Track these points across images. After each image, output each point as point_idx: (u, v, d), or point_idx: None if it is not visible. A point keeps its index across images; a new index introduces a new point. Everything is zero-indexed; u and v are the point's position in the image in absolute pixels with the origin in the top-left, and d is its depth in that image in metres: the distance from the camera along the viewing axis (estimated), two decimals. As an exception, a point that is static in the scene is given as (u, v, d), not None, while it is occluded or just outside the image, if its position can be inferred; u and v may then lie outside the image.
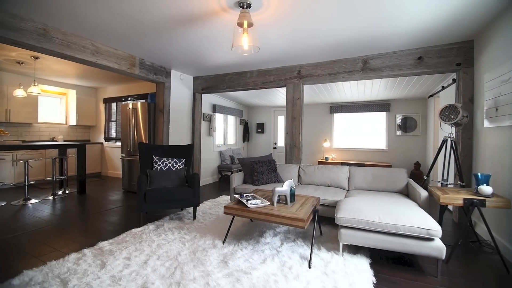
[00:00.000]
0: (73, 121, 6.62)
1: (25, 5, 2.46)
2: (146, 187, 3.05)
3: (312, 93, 5.81)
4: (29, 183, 4.23)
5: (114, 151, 6.60)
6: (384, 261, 2.27)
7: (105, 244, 2.48)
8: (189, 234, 2.73)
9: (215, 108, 6.19)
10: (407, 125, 6.31)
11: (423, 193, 2.63)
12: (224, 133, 6.85)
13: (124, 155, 4.97)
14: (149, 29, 2.95)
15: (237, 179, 3.62)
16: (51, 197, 4.36)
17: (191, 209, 3.66)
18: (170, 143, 4.74)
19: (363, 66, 3.82)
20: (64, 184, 4.87)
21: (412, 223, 2.06)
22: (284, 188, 2.42)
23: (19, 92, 4.57)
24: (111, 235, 2.72)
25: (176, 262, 2.13)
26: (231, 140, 7.21)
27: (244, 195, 2.65)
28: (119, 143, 6.50)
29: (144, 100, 5.90)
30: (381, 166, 6.09)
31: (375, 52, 3.67)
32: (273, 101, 6.99)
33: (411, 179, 3.28)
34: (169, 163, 3.51)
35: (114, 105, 6.78)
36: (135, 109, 4.84)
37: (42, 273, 1.96)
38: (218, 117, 6.51)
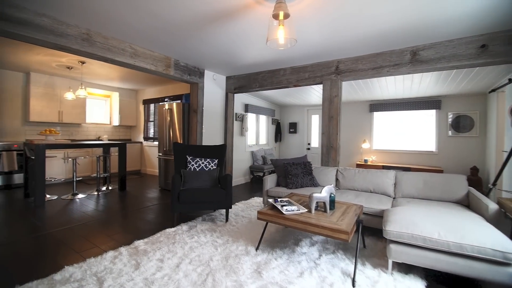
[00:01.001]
0: (116, 122, 7.07)
1: (72, 12, 2.59)
2: (180, 187, 3.05)
3: (350, 90, 5.41)
4: (77, 179, 4.57)
5: (152, 150, 6.90)
6: (443, 286, 1.93)
7: (140, 244, 2.50)
8: (221, 237, 2.65)
9: (247, 108, 6.11)
10: (460, 125, 5.56)
11: (492, 206, 2.20)
12: (256, 133, 6.75)
13: (160, 154, 5.12)
14: (181, 28, 2.93)
15: (270, 181, 3.47)
16: (95, 193, 4.66)
17: (223, 211, 3.60)
18: (204, 143, 4.77)
19: (412, 58, 3.39)
20: (107, 181, 5.19)
21: (482, 242, 1.71)
22: (323, 194, 2.20)
23: (69, 95, 4.96)
24: (146, 234, 2.75)
25: (208, 268, 2.05)
26: (263, 140, 7.08)
27: (279, 199, 2.49)
28: (156, 143, 6.78)
29: (179, 101, 6.05)
30: (430, 170, 5.45)
31: (426, 41, 3.22)
32: (307, 100, 6.70)
33: (472, 188, 2.81)
34: (202, 163, 3.48)
35: (152, 106, 7.08)
36: (170, 110, 4.95)
37: (81, 270, 2.01)
38: (250, 117, 6.42)
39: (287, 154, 7.58)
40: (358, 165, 6.08)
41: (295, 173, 3.39)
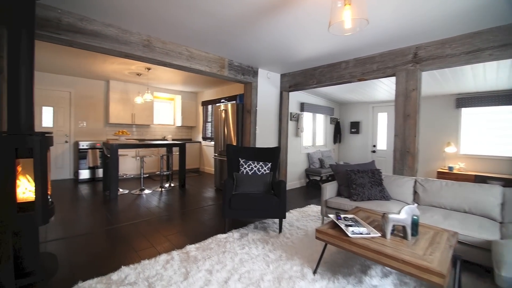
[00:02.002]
0: (178, 122, 7.57)
1: (134, 20, 2.71)
2: (232, 191, 2.92)
3: (431, 81, 4.47)
4: (144, 176, 4.97)
5: (210, 150, 7.13)
6: None
7: (191, 249, 2.45)
8: (274, 251, 2.40)
9: (303, 107, 5.71)
10: None
11: None
12: (312, 133, 6.29)
13: (216, 154, 5.19)
14: (234, 25, 2.77)
15: (329, 190, 3.05)
16: (159, 189, 4.99)
17: (276, 219, 3.35)
18: (257, 144, 4.61)
19: (533, 34, 2.50)
20: (169, 178, 5.54)
21: None
22: (403, 216, 1.72)
23: (138, 99, 5.45)
24: (199, 238, 2.70)
25: (258, 290, 1.82)
26: (320, 141, 6.56)
27: (342, 216, 2.09)
28: (213, 143, 6.98)
29: (234, 102, 6.05)
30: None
31: (560, 8, 2.32)
32: (372, 96, 5.89)
33: None
34: (255, 167, 3.30)
35: (210, 107, 7.33)
36: (225, 111, 4.95)
37: (135, 272, 2.03)
38: (306, 116, 6.00)
39: (347, 157, 6.86)
40: (440, 174, 5.03)
41: (360, 182, 2.90)
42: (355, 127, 6.61)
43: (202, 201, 4.26)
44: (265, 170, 3.31)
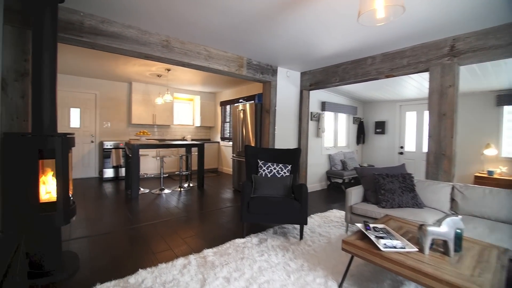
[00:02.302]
0: (197, 123, 7.63)
1: (153, 21, 2.69)
2: (250, 194, 2.81)
3: (468, 77, 4.08)
4: (164, 175, 5.03)
5: (228, 150, 7.10)
6: None
7: (209, 253, 2.37)
8: (295, 260, 2.26)
9: (324, 106, 5.48)
10: None
11: None
12: (334, 133, 6.03)
13: (234, 155, 5.12)
14: (252, 21, 2.66)
15: (354, 195, 2.85)
16: (178, 189, 5.02)
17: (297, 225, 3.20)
18: (276, 145, 4.47)
19: None
20: (188, 178, 5.56)
21: None
22: (444, 229, 1.51)
23: (159, 100, 5.52)
24: (216, 242, 2.63)
25: (278, 303, 1.69)
26: (342, 142, 6.28)
27: (371, 225, 1.91)
28: (231, 143, 6.94)
29: (252, 102, 5.96)
30: None
31: None
32: (400, 93, 5.52)
33: None
34: (274, 169, 3.17)
35: (228, 107, 7.30)
36: (243, 111, 4.87)
37: (152, 276, 1.99)
38: (328, 116, 5.76)
39: (372, 159, 6.51)
40: (478, 179, 4.59)
41: (390, 188, 2.67)
42: (381, 127, 6.25)
43: (220, 203, 4.21)
44: (285, 173, 3.17)
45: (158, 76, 5.45)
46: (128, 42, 2.82)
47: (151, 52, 2.99)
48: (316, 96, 5.35)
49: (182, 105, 7.66)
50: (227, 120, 7.31)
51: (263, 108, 4.54)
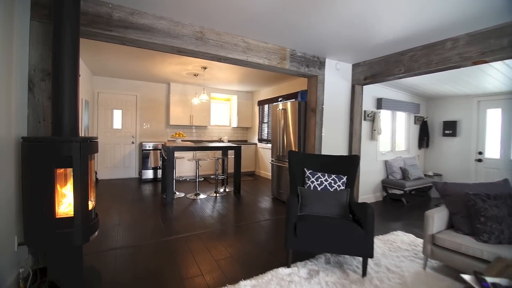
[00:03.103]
0: (234, 123, 7.33)
1: (186, 9, 2.34)
2: (296, 212, 2.29)
3: None
4: (200, 180, 4.77)
5: (266, 152, 6.65)
6: None
7: (246, 286, 1.92)
8: (359, 310, 1.68)
9: (380, 103, 4.67)
10: None
11: None
12: (391, 136, 5.15)
13: (273, 159, 4.64)
14: (296, 4, 2.13)
15: (437, 220, 2.13)
16: (214, 194, 4.72)
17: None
18: (323, 150, 3.86)
19: None
20: (224, 182, 5.25)
21: None
22: None
23: (195, 100, 5.30)
24: (255, 270, 2.17)
25: None
26: (401, 145, 5.36)
27: (490, 281, 1.24)
28: (270, 145, 6.47)
29: (294, 100, 5.41)
30: None
31: None
32: (479, 86, 4.43)
33: None
34: (325, 180, 2.59)
35: (266, 107, 6.84)
36: (284, 110, 4.35)
37: (177, 317, 1.60)
38: (384, 115, 4.92)
39: (438, 167, 5.42)
40: None
41: (494, 214, 1.90)
42: (451, 127, 5.16)
43: (258, 213, 3.76)
44: (339, 186, 2.57)
45: (195, 75, 5.23)
46: (160, 35, 2.52)
47: (184, 45, 2.66)
48: (370, 92, 4.58)
49: (219, 105, 7.44)
50: (265, 120, 6.86)
51: (307, 106, 3.96)
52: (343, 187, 2.58)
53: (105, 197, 4.38)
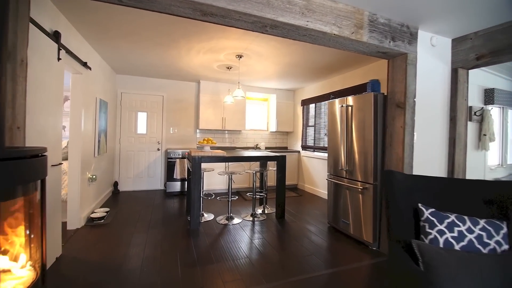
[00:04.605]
0: (273, 127, 6.25)
1: None
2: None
3: None
4: (233, 198, 3.75)
5: (312, 163, 5.44)
6: None
7: None
8: None
9: (490, 97, 3.21)
10: None
11: None
12: (501, 143, 3.60)
13: (331, 174, 3.42)
14: None
15: None
16: (250, 218, 3.67)
17: None
18: (415, 163, 2.57)
19: None
20: (264, 202, 4.18)
21: None
22: None
23: (228, 98, 4.34)
24: None
25: None
26: (512, 155, 3.76)
27: None
28: (318, 153, 5.25)
29: (365, 93, 4.15)
30: None
31: None
32: None
33: None
34: (468, 231, 1.35)
35: (312, 107, 5.66)
36: (349, 108, 3.13)
37: None
38: (495, 113, 3.42)
39: None
40: None
41: None
42: None
43: (316, 256, 2.58)
44: (498, 244, 1.31)
45: (228, 68, 4.29)
46: (172, -20, 1.56)
47: (210, 1, 1.66)
48: (476, 80, 3.16)
49: (255, 106, 6.44)
50: (311, 123, 5.67)
51: (388, 101, 2.72)
52: (507, 247, 1.32)
53: (120, 218, 3.59)
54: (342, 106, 3.18)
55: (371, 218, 2.75)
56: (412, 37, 2.56)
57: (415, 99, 2.58)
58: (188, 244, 2.79)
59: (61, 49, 2.36)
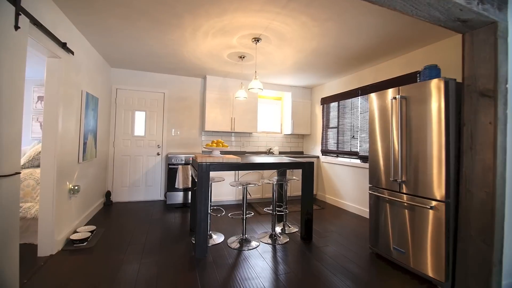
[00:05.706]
0: (287, 130, 5.55)
1: None
2: None
3: None
4: (247, 214, 3.03)
5: (334, 170, 4.72)
6: None
7: None
8: None
9: None
10: None
11: None
12: None
13: (374, 186, 2.69)
14: None
15: None
16: (269, 241, 2.95)
17: None
18: (508, 176, 1.84)
19: None
20: (284, 219, 3.45)
21: None
22: None
23: (241, 93, 3.65)
24: None
25: None
26: None
27: None
28: (343, 159, 4.53)
29: (429, 79, 3.44)
30: None
31: None
32: None
33: None
34: None
35: (333, 106, 4.96)
36: (403, 100, 2.41)
37: None
38: None
39: None
40: None
41: None
42: None
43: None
44: None
45: (241, 58, 3.62)
46: None
47: None
48: None
49: (267, 105, 5.75)
50: (332, 124, 4.96)
51: (465, 89, 2.00)
52: None
53: (108, 239, 2.88)
54: (394, 98, 2.46)
55: (443, 248, 2.01)
56: (501, 0, 1.87)
57: (507, 85, 1.87)
58: (192, 281, 2.07)
59: (20, 14, 1.71)
